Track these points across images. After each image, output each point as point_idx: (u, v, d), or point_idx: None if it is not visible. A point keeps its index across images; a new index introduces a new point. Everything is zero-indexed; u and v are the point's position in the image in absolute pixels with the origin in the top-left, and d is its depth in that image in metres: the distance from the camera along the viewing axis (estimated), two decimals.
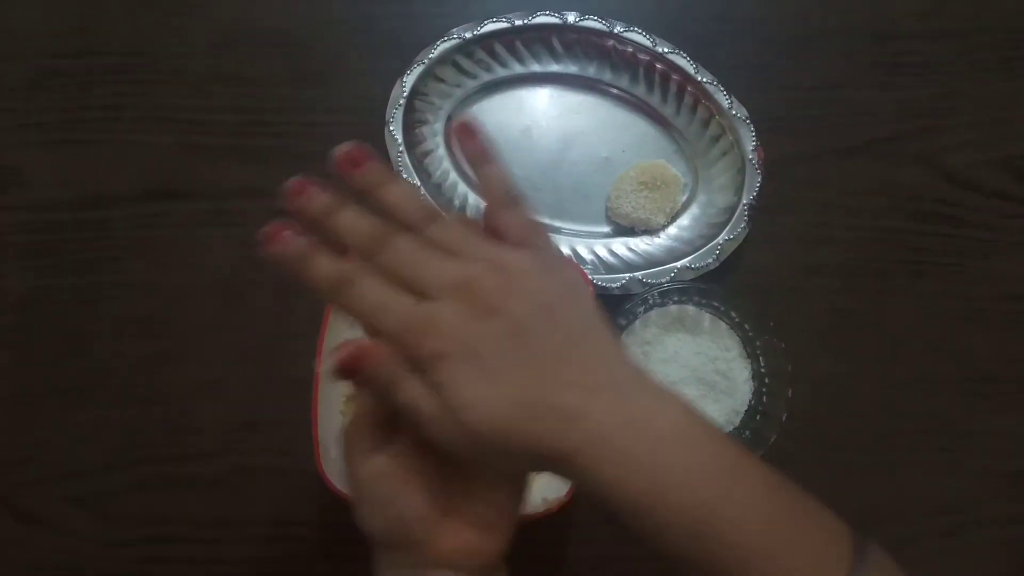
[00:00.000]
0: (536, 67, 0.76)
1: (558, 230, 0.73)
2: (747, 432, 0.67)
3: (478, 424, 0.38)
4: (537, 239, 0.43)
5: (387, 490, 0.41)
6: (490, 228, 0.43)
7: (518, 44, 0.75)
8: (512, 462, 0.41)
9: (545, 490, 0.62)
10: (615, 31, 0.73)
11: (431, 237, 0.41)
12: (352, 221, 0.41)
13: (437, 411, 0.38)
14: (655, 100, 0.75)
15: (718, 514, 0.39)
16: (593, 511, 0.66)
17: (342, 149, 0.42)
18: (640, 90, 0.75)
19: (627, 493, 0.38)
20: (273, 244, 0.41)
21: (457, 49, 0.73)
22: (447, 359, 0.38)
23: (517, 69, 0.75)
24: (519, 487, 0.45)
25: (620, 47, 0.74)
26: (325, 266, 0.41)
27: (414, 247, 0.41)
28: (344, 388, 0.64)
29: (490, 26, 0.73)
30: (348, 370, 0.40)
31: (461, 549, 0.42)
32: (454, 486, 0.43)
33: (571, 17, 0.74)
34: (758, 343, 0.68)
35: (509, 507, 0.44)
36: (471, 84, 0.75)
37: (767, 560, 0.39)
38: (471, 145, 0.44)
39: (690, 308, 0.69)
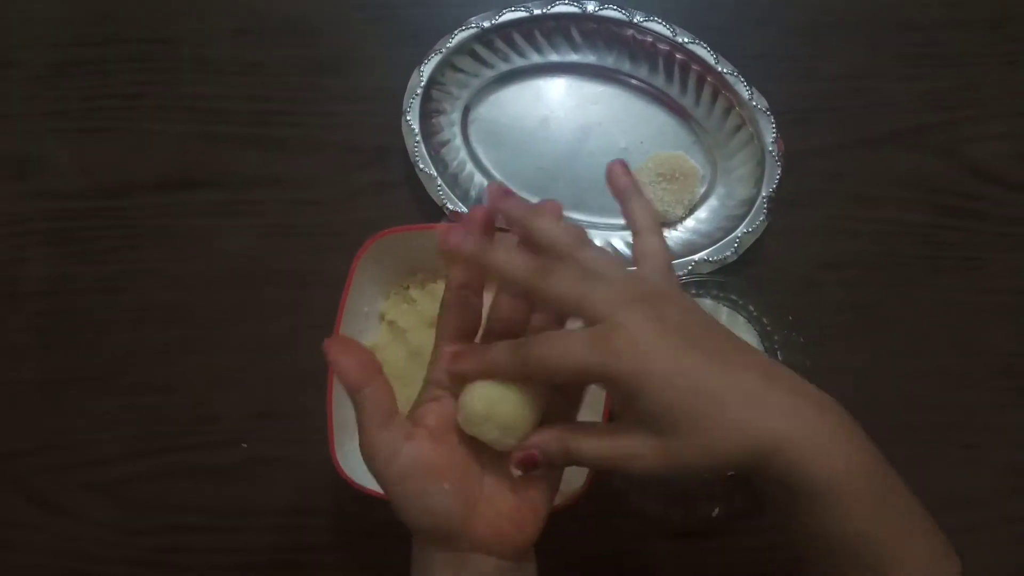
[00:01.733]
0: (554, 57, 0.75)
1: (575, 222, 0.73)
2: None
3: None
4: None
5: (416, 487, 0.42)
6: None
7: (536, 33, 0.74)
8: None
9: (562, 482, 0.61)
10: (634, 20, 0.73)
11: (583, 262, 0.43)
12: (509, 256, 0.42)
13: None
14: (674, 91, 0.74)
15: (895, 488, 0.43)
16: (609, 504, 0.66)
17: (493, 187, 0.45)
18: (659, 80, 0.74)
19: (824, 471, 0.39)
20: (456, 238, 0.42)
21: (475, 38, 0.73)
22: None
23: (535, 59, 0.75)
24: (553, 481, 0.45)
25: (639, 37, 0.73)
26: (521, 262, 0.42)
27: (576, 274, 0.42)
28: None
29: (509, 15, 0.73)
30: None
31: (494, 536, 0.43)
32: (487, 479, 0.44)
33: (590, 6, 0.73)
34: (776, 337, 0.67)
35: (542, 500, 0.44)
36: (489, 74, 0.75)
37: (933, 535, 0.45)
38: (622, 182, 0.47)
39: (708, 302, 0.69)
